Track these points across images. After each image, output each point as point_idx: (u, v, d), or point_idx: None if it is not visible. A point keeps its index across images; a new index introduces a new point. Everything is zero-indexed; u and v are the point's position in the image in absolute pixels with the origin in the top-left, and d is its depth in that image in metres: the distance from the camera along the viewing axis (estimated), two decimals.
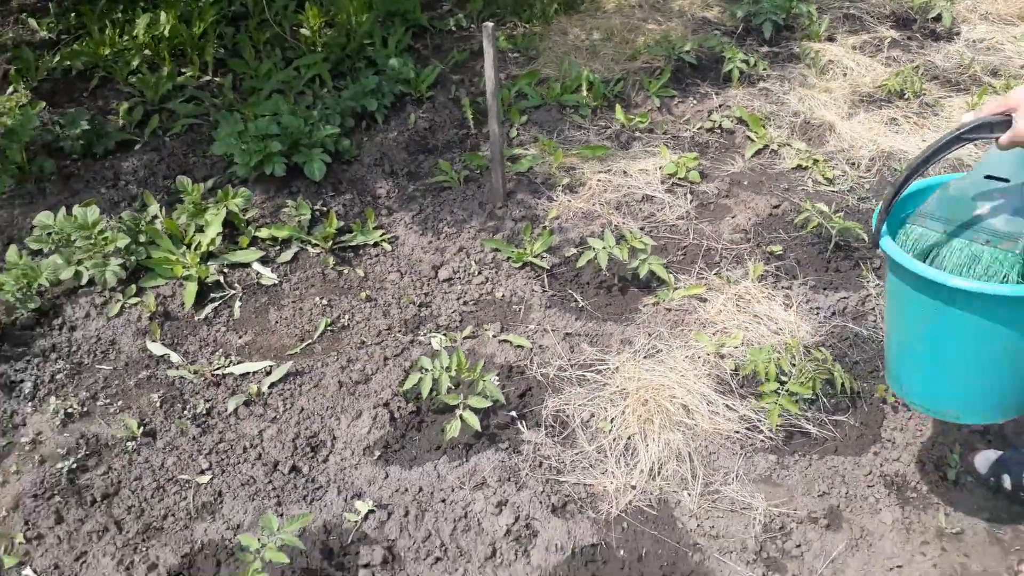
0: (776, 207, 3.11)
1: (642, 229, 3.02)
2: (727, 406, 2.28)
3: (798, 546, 1.94)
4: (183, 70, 3.94)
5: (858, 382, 2.33)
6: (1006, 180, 1.59)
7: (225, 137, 3.19)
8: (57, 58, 4.01)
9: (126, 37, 4.08)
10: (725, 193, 3.22)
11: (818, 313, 2.60)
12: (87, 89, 3.89)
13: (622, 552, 1.95)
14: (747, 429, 2.22)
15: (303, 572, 1.92)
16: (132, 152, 3.50)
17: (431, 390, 2.25)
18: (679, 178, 3.27)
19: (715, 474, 2.12)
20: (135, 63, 3.90)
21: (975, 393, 1.72)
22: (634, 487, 2.08)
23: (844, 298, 2.66)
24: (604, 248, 2.71)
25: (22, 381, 2.44)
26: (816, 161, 3.36)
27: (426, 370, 2.26)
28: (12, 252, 2.67)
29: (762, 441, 2.19)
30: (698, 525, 1.99)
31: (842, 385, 2.27)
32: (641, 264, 2.70)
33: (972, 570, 1.91)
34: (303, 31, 4.19)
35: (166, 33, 4.02)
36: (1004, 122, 1.45)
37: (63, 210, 2.80)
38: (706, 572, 1.89)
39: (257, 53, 4.04)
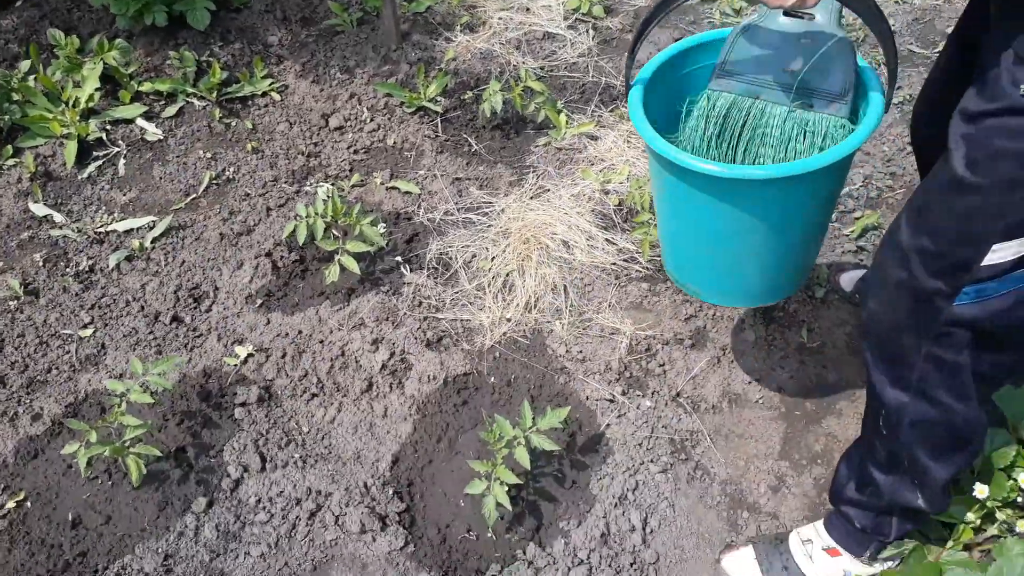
0: (677, 40, 3.04)
1: (542, 68, 2.96)
2: (607, 240, 2.32)
3: (661, 365, 2.03)
4: None
5: None
6: (810, 16, 1.35)
7: None
8: None
9: None
10: (629, 28, 3.14)
11: None
12: None
13: (492, 379, 2.03)
14: (624, 261, 2.27)
15: (182, 415, 1.98)
16: (12, 9, 3.32)
17: (309, 237, 2.26)
18: (583, 13, 3.18)
19: (589, 304, 2.18)
20: None
21: (710, 272, 1.65)
22: (509, 320, 2.15)
23: None
24: (498, 92, 2.66)
25: None
26: None
27: (301, 217, 2.26)
28: None
29: (637, 271, 2.25)
30: (567, 351, 2.07)
31: None
32: (536, 108, 2.67)
33: (828, 379, 2.01)
34: None
35: None
36: None
37: None
38: (570, 392, 1.99)
39: None
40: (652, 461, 1.83)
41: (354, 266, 2.22)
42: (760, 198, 1.44)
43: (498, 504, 1.68)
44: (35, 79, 2.79)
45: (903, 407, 1.35)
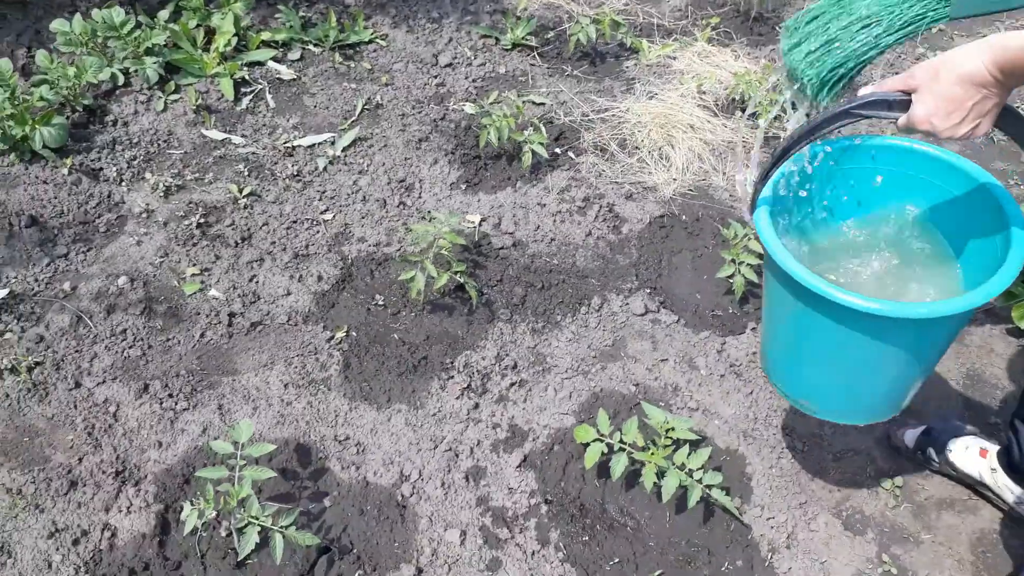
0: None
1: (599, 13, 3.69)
2: (722, 124, 3.07)
3: None
4: None
5: None
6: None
7: None
8: None
9: None
10: None
11: (759, 60, 3.44)
12: None
13: (683, 216, 2.71)
14: (740, 137, 3.03)
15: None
16: None
17: (496, 137, 2.84)
18: None
19: (729, 165, 2.92)
20: None
21: (830, 392, 1.67)
22: (675, 179, 2.84)
23: (773, 49, 3.52)
24: (590, 25, 3.35)
25: (102, 168, 2.74)
26: None
27: (490, 123, 2.83)
28: (42, 56, 2.87)
29: (754, 143, 3.02)
30: (730, 196, 2.79)
31: None
32: (623, 36, 3.40)
33: None
34: None
35: None
36: (903, 101, 1.31)
37: (77, 16, 3.00)
38: (747, 220, 2.70)
39: None
40: None
41: (542, 151, 2.82)
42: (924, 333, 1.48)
43: (747, 281, 2.36)
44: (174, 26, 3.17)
45: None
